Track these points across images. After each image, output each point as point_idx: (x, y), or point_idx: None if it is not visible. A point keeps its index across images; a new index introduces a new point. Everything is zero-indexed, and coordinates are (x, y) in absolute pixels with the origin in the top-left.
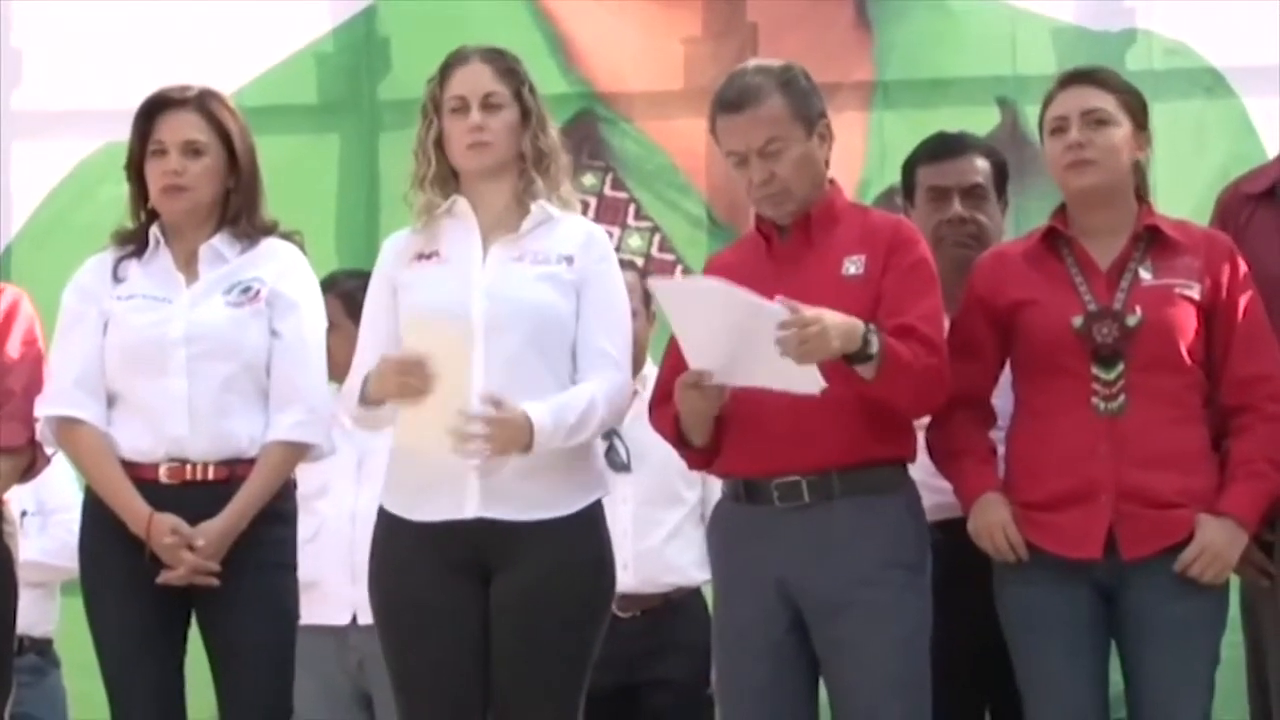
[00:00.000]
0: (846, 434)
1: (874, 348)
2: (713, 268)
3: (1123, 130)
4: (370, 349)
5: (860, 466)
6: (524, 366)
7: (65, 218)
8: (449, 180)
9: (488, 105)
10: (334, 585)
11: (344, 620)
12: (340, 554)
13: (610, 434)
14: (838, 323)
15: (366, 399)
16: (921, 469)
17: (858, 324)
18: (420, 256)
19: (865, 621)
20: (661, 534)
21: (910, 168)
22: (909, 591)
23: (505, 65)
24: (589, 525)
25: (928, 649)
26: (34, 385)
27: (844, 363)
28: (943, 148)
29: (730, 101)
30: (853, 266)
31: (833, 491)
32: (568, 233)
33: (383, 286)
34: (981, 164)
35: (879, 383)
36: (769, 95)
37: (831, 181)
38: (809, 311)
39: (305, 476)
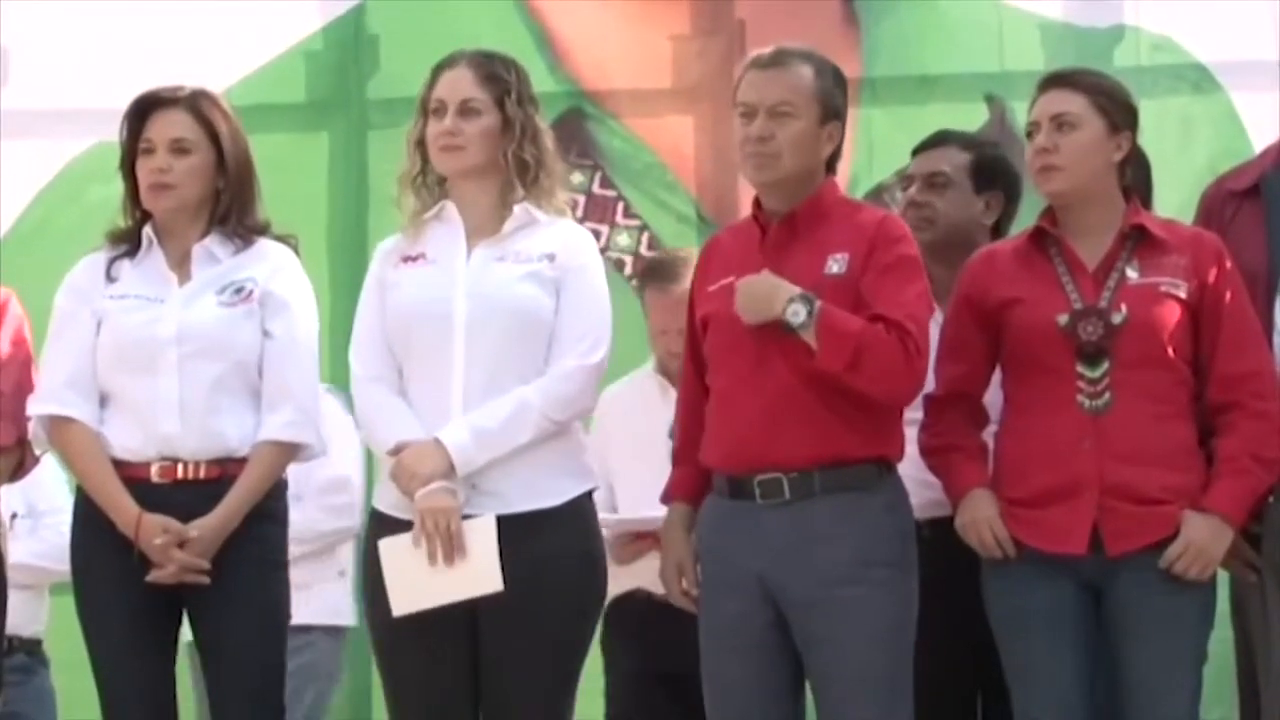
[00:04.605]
0: (827, 431)
1: (801, 316)
2: (709, 248)
3: (1092, 133)
4: (361, 346)
5: (841, 464)
6: (505, 364)
7: (54, 218)
8: (435, 181)
9: (464, 110)
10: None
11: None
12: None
13: None
14: (757, 283)
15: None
16: (912, 466)
17: (785, 289)
18: (406, 259)
19: (841, 618)
20: None
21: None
22: (887, 588)
23: (490, 72)
24: (578, 517)
25: (908, 645)
26: (23, 385)
27: (789, 333)
28: (927, 141)
29: (764, 60)
30: (835, 265)
31: (814, 489)
32: (551, 233)
33: (374, 287)
34: (956, 155)
35: (822, 349)
36: (801, 66)
37: (828, 178)
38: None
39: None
